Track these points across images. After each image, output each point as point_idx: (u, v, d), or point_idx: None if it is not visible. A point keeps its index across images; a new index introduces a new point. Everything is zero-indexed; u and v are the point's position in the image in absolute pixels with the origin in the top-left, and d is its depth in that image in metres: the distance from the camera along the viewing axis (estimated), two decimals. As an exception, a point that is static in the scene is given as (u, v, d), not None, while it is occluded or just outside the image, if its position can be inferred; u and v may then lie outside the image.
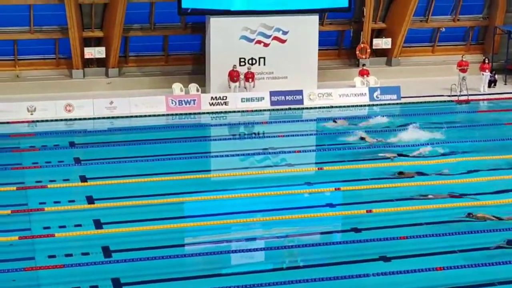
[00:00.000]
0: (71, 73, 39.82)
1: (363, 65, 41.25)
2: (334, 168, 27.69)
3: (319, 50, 39.26)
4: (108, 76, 39.95)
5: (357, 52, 41.71)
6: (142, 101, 36.59)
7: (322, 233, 22.42)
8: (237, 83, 37.64)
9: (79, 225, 22.45)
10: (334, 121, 34.17)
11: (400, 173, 26.77)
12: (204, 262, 20.43)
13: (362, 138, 30.92)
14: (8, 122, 34.54)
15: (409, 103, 38.01)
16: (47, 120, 35.03)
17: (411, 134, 31.37)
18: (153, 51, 41.17)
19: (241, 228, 22.53)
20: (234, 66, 37.60)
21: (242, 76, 37.77)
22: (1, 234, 21.53)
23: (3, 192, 25.26)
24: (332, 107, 37.55)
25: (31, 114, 35.29)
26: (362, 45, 41.62)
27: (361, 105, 37.97)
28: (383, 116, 34.74)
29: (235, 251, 21.02)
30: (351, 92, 38.65)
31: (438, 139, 30.98)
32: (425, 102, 38.22)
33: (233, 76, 37.61)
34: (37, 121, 34.98)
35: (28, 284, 18.73)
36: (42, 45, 39.81)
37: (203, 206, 24.47)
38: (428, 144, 30.07)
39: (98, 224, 22.55)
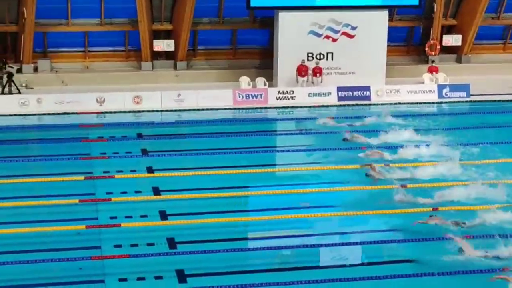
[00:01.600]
0: (140, 65, 40.21)
1: (433, 61, 40.74)
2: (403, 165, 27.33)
3: (388, 46, 38.90)
4: (176, 69, 40.23)
5: (427, 49, 41.21)
6: (209, 94, 36.75)
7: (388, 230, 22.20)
8: (305, 78, 37.56)
9: (145, 216, 22.65)
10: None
11: None
12: (267, 256, 20.45)
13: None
14: (77, 113, 35.04)
15: (479, 101, 37.43)
16: (115, 112, 35.45)
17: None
18: (221, 45, 41.31)
19: (305, 223, 22.45)
20: (303, 60, 37.53)
21: (310, 71, 37.67)
22: (68, 223, 21.85)
23: (72, 181, 25.64)
24: (399, 103, 37.20)
25: (100, 105, 35.75)
26: (431, 42, 41.11)
27: (429, 102, 37.53)
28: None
29: (299, 246, 20.91)
30: (419, 89, 38.23)
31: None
32: (495, 100, 37.59)
33: (302, 70, 37.54)
34: (106, 112, 35.42)
35: (94, 273, 18.96)
36: (112, 37, 40.28)
37: (268, 200, 24.46)
38: None
39: (163, 216, 22.73)
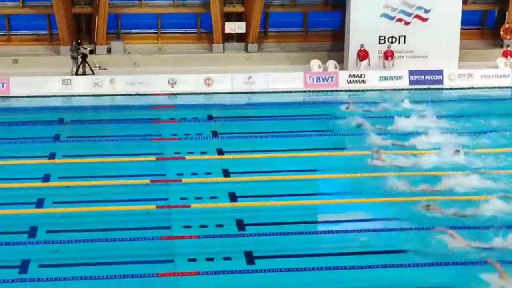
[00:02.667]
0: (212, 48, 40.41)
1: (507, 46, 39.98)
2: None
3: (461, 29, 38.33)
4: (247, 51, 40.31)
5: (501, 33, 40.46)
6: (280, 77, 36.77)
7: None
8: (365, 61, 37.27)
9: (215, 197, 22.81)
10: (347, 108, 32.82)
11: None
12: (336, 240, 20.40)
13: None
14: (149, 94, 35.43)
15: (554, 86, 36.68)
16: (187, 93, 35.73)
17: None
18: (292, 27, 41.25)
19: (372, 208, 22.26)
20: (362, 45, 37.26)
21: (369, 56, 37.40)
22: (139, 203, 22.13)
23: (143, 162, 25.96)
24: (472, 88, 36.66)
25: (172, 86, 36.07)
26: (507, 26, 40.33)
27: (503, 87, 36.88)
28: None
29: (368, 230, 20.76)
30: (493, 73, 37.60)
31: None
32: None
33: (360, 55, 37.32)
34: (177, 93, 35.72)
35: (164, 253, 19.18)
36: (184, 19, 40.55)
37: (336, 183, 24.36)
38: None
39: (233, 197, 22.86)
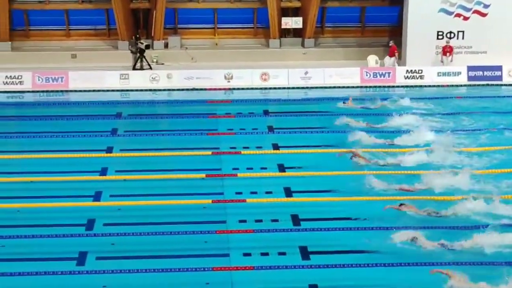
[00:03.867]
0: (268, 43, 40.42)
1: None
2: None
3: (521, 24, 37.75)
4: (304, 46, 40.22)
5: None
6: (336, 72, 36.60)
7: None
8: (393, 58, 37.16)
9: (270, 192, 22.82)
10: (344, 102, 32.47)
11: None
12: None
13: None
14: (206, 89, 35.58)
15: None
16: (243, 88, 35.79)
17: None
18: (349, 22, 41.04)
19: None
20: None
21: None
22: (195, 197, 22.26)
23: (199, 156, 26.08)
24: (532, 84, 36.13)
25: (228, 81, 36.16)
26: None
27: None
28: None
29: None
30: (554, 69, 36.99)
31: None
32: None
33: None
34: (234, 88, 35.80)
35: (218, 247, 19.26)
36: (241, 14, 40.62)
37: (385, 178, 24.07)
38: None
39: (288, 192, 22.85)
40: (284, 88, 35.99)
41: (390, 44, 37.70)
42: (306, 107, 33.05)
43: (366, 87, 36.09)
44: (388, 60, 37.47)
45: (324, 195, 22.48)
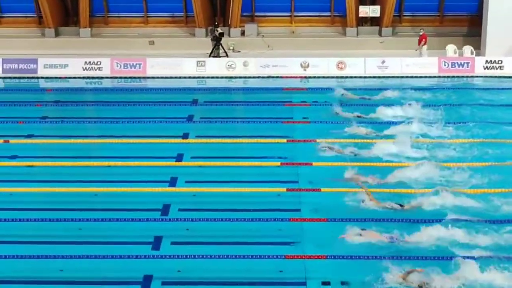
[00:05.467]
0: (345, 31, 40.21)
1: None
2: None
3: None
4: (381, 35, 39.90)
5: None
6: (414, 62, 36.24)
7: None
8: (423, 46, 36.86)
9: (343, 181, 22.65)
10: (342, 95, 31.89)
11: None
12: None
13: None
14: (282, 77, 35.57)
15: None
16: (319, 77, 35.68)
17: None
18: (428, 11, 40.56)
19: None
20: (421, 29, 36.97)
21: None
22: (270, 185, 22.26)
23: (274, 144, 26.05)
24: None
25: (304, 70, 36.11)
26: None
27: None
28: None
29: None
30: None
31: None
32: None
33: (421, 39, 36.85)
34: (309, 77, 35.71)
35: (292, 234, 19.22)
36: (318, 2, 40.53)
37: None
38: None
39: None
40: (360, 77, 35.76)
41: (421, 33, 37.10)
42: (382, 95, 32.66)
43: (444, 77, 35.60)
44: (420, 49, 36.86)
45: (401, 187, 22.17)
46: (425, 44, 37.07)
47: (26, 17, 42.20)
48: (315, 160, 24.28)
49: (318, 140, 25.83)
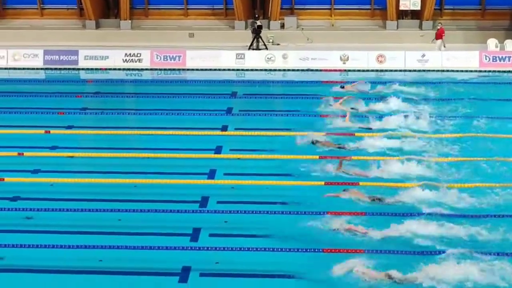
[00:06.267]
0: (385, 24, 39.98)
1: None
2: None
3: None
4: (421, 28, 39.62)
5: None
6: (454, 56, 35.97)
7: None
8: (439, 41, 36.68)
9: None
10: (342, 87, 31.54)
11: None
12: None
13: None
14: (321, 70, 35.49)
15: None
16: (358, 70, 35.54)
17: None
18: (469, 5, 40.22)
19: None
20: (439, 23, 36.47)
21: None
22: (307, 178, 22.17)
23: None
24: None
25: (344, 63, 36.00)
26: None
27: None
28: None
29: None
30: None
31: None
32: None
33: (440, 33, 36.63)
34: (349, 70, 35.59)
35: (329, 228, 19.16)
36: (359, -5, 40.37)
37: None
38: None
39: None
40: (400, 70, 35.56)
41: (438, 27, 36.76)
42: (422, 89, 32.42)
43: (484, 71, 35.26)
44: (436, 43, 36.58)
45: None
46: (443, 38, 36.73)
47: (68, 8, 42.55)
48: (354, 154, 24.14)
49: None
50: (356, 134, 25.82)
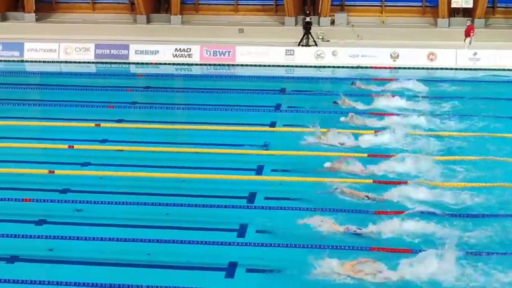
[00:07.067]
0: (436, 22, 39.64)
1: None
2: None
3: None
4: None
5: None
6: (507, 54, 35.49)
7: None
8: (468, 38, 36.50)
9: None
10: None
11: None
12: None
13: None
14: (371, 67, 35.31)
15: None
16: (408, 68, 35.28)
17: None
18: (523, 3, 39.74)
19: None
20: (469, 21, 36.59)
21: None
22: (355, 176, 22.08)
23: (362, 135, 25.71)
24: None
25: (394, 60, 35.78)
26: None
27: None
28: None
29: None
30: None
31: None
32: None
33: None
34: (399, 67, 35.36)
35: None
36: (410, -7, 40.07)
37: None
38: None
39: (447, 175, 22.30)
40: (451, 68, 35.23)
41: (468, 24, 36.22)
42: (474, 88, 32.10)
43: (536, 70, 34.83)
44: (470, 41, 36.32)
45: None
46: (471, 36, 36.31)
47: (119, 3, 42.90)
48: (406, 152, 23.91)
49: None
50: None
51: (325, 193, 20.71)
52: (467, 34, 36.65)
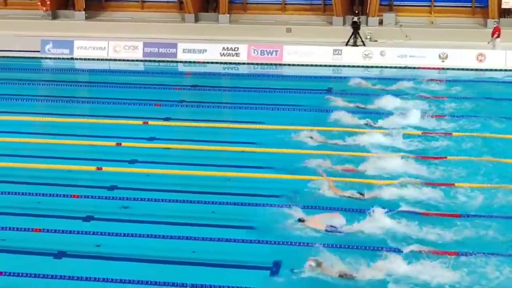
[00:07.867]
0: (486, 23, 39.29)
1: None
2: None
3: None
4: (524, 27, 38.78)
5: None
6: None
7: None
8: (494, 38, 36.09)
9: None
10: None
11: None
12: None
13: None
14: (419, 67, 35.10)
15: None
16: (457, 69, 34.99)
17: None
18: None
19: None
20: (495, 22, 35.85)
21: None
22: (389, 177, 21.88)
23: (407, 135, 25.55)
24: None
25: (442, 61, 35.51)
26: None
27: None
28: None
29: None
30: None
31: None
32: None
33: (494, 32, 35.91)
34: (447, 68, 35.08)
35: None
36: (459, -7, 39.75)
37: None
38: None
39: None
40: (501, 70, 34.87)
41: (494, 25, 35.69)
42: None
43: None
44: (493, 41, 35.96)
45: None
46: (498, 37, 35.84)
47: (168, 2, 43.21)
48: (449, 154, 23.76)
49: (454, 134, 25.41)
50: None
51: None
52: (492, 34, 36.27)
